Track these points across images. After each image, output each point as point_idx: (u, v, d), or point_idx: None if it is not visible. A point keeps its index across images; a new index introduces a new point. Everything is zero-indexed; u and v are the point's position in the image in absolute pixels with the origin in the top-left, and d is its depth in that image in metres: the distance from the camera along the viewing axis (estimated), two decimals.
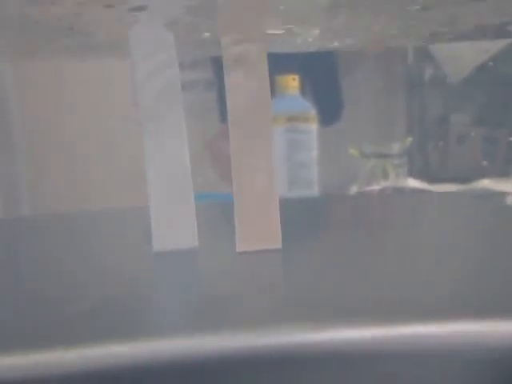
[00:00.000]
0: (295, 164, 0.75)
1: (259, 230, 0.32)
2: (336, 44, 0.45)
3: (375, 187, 0.83)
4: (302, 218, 0.43)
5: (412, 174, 0.91)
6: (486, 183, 0.81)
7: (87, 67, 0.98)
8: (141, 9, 0.30)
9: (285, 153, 0.74)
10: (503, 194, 0.75)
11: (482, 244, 0.33)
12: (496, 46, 0.97)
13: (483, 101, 1.07)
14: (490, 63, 1.00)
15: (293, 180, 0.75)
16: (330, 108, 1.04)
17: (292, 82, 0.77)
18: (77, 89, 1.08)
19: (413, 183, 0.86)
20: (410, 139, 0.94)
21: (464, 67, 1.03)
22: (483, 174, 0.84)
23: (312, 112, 0.77)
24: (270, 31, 0.35)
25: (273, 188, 0.32)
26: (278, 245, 0.32)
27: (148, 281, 0.28)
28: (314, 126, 0.76)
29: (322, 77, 1.03)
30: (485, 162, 0.97)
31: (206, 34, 0.36)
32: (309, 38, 0.41)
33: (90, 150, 1.09)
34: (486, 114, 1.07)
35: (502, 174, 0.89)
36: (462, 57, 1.02)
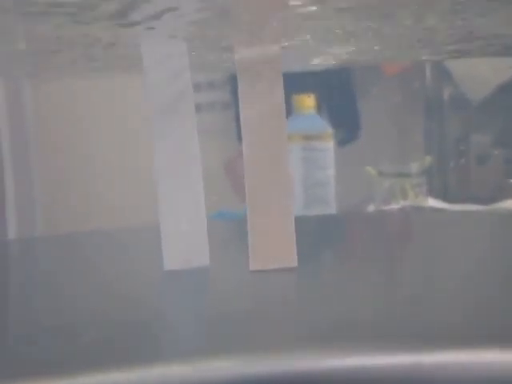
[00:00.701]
0: (312, 182, 0.73)
1: (273, 248, 0.31)
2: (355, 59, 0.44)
3: (394, 206, 0.82)
4: (318, 236, 0.42)
5: (432, 193, 0.89)
6: (509, 203, 0.79)
7: (104, 85, 0.99)
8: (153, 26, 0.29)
9: (301, 171, 0.73)
10: None
11: (508, 266, 0.31)
12: None
13: (505, 120, 1.05)
14: None
15: (309, 198, 0.73)
16: (347, 127, 1.03)
17: (308, 101, 0.77)
18: (92, 108, 1.08)
19: (433, 203, 0.84)
20: (429, 158, 0.93)
21: (484, 86, 1.02)
22: (506, 194, 0.82)
23: (328, 130, 0.76)
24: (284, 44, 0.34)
25: (288, 206, 0.31)
26: (294, 263, 0.31)
27: (157, 303, 0.27)
28: (330, 145, 0.75)
29: (338, 95, 1.02)
30: (510, 181, 0.94)
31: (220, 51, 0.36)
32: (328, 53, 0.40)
33: (105, 169, 1.09)
34: (507, 134, 1.05)
35: None
36: (482, 75, 1.01)
